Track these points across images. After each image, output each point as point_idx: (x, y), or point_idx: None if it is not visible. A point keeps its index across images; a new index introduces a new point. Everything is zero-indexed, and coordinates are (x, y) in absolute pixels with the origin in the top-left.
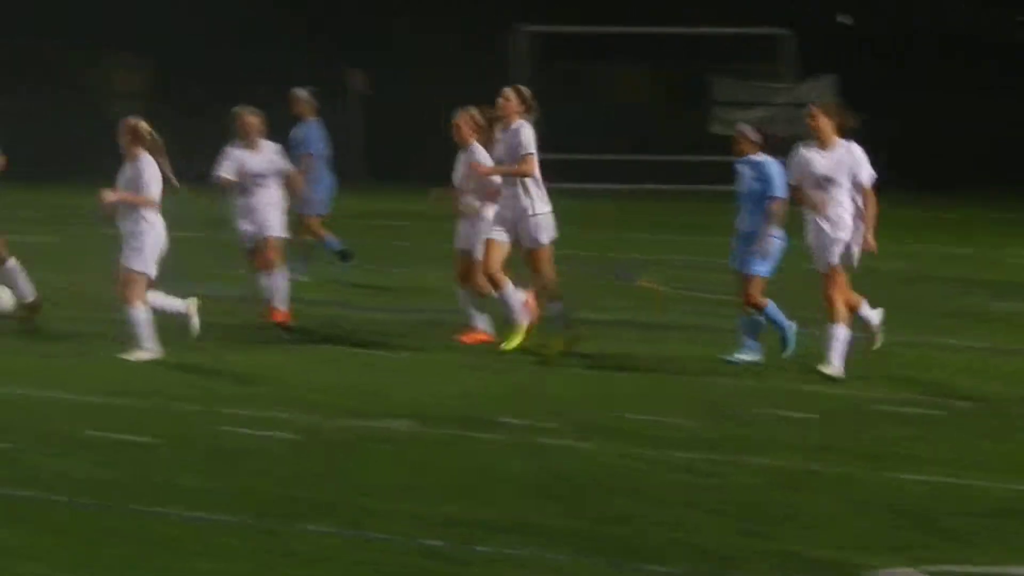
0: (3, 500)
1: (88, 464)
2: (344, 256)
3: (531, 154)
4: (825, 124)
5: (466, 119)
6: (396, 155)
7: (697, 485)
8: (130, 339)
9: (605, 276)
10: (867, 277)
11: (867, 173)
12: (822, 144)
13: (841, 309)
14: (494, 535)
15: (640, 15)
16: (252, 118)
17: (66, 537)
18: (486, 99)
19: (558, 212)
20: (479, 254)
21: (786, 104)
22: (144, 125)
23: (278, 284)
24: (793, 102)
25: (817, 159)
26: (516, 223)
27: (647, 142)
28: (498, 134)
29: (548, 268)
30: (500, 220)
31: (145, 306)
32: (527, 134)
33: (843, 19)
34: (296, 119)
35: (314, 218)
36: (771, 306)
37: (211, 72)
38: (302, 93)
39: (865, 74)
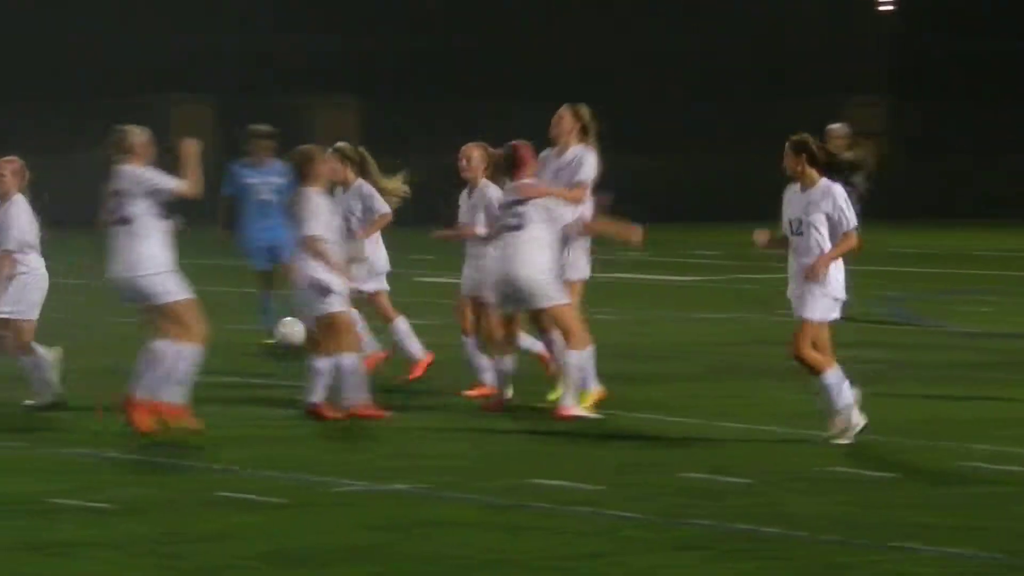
0: (745, 535)
1: (829, 500)
2: None
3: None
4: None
5: (480, 153)
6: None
7: None
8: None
9: None
10: None
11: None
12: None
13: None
14: None
15: None
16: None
17: (805, 572)
18: None
19: None
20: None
21: None
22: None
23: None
24: None
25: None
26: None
27: None
28: (552, 158)
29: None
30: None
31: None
32: (590, 161)
33: None
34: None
35: None
36: None
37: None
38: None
39: None
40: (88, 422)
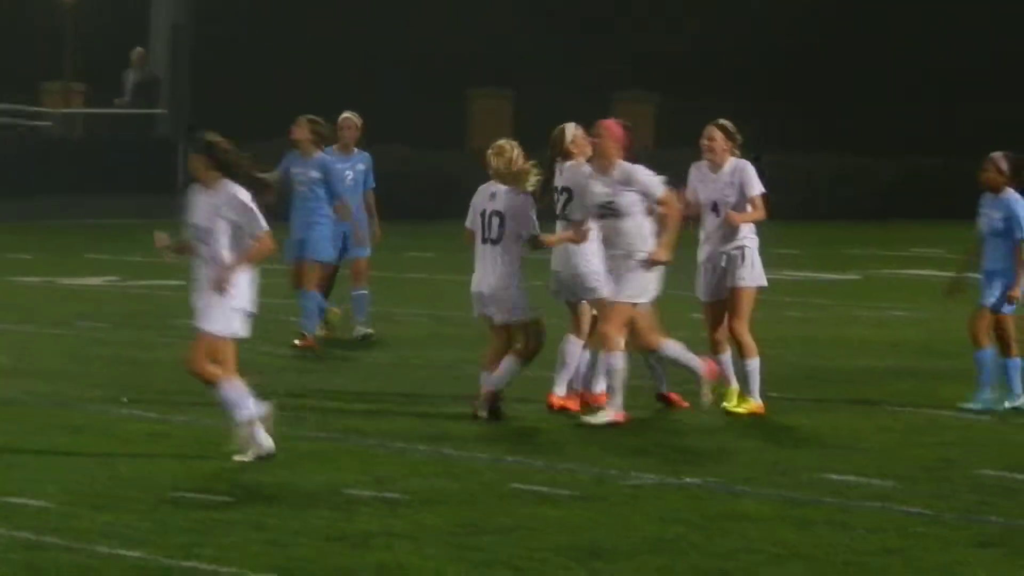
0: None
1: None
2: None
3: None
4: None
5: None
6: None
7: None
8: None
9: None
10: None
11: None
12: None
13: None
14: None
15: None
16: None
17: None
18: None
19: None
20: None
21: None
22: None
23: None
24: None
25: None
26: None
27: None
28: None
29: None
30: None
31: None
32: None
33: None
34: None
35: None
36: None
37: None
38: None
39: None
40: (378, 417)
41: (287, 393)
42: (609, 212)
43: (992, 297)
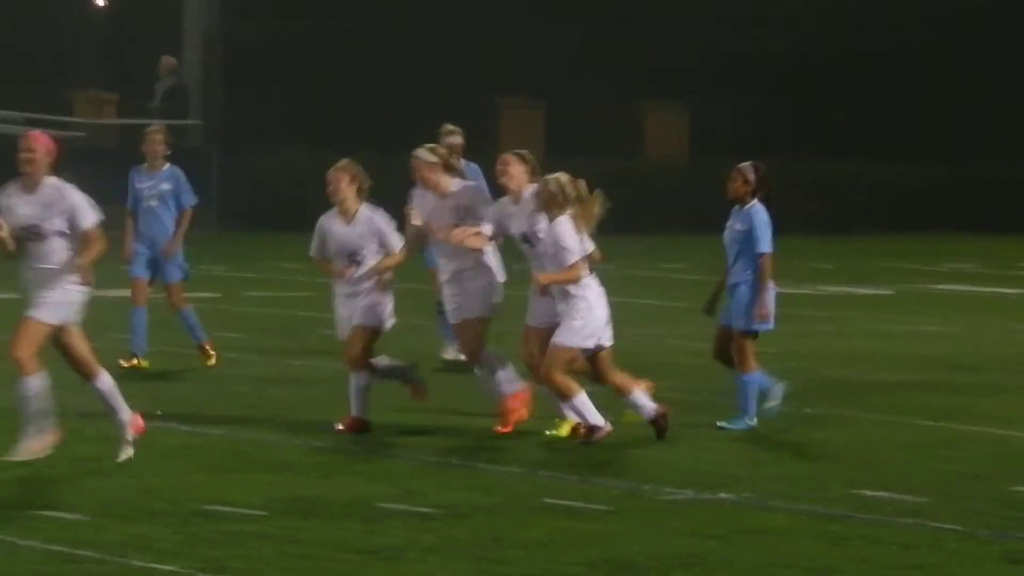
0: None
1: None
2: None
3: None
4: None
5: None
6: None
7: None
8: None
9: None
10: None
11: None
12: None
13: None
14: None
15: None
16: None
17: None
18: None
19: None
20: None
21: None
22: None
23: None
24: None
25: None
26: None
27: None
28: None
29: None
30: None
31: None
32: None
33: None
34: None
35: None
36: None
37: None
38: None
39: None
40: (411, 431)
41: (320, 406)
42: (33, 235)
43: (740, 317)
